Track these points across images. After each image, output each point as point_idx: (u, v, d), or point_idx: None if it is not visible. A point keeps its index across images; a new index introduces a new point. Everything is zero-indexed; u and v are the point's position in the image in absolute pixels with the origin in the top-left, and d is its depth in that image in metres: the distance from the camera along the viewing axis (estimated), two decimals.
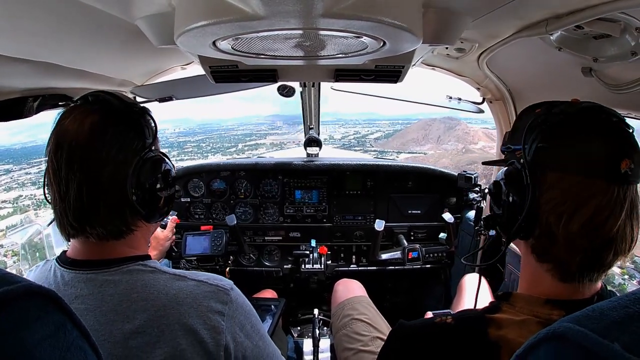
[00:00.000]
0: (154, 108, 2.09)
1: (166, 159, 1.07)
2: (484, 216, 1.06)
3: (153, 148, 1.02)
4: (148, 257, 1.02)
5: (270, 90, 2.21)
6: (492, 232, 1.05)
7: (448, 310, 1.87)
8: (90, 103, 0.97)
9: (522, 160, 0.86)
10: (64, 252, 1.00)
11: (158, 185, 1.03)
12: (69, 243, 0.98)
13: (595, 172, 0.77)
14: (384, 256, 2.67)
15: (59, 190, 0.90)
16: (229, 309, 0.96)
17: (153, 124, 1.05)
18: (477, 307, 1.01)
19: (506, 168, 0.94)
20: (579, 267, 0.81)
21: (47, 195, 0.96)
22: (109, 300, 0.89)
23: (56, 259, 0.99)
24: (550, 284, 0.85)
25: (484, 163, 1.35)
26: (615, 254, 0.80)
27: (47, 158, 0.93)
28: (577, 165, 0.79)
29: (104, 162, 0.91)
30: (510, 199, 0.90)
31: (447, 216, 2.56)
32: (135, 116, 1.00)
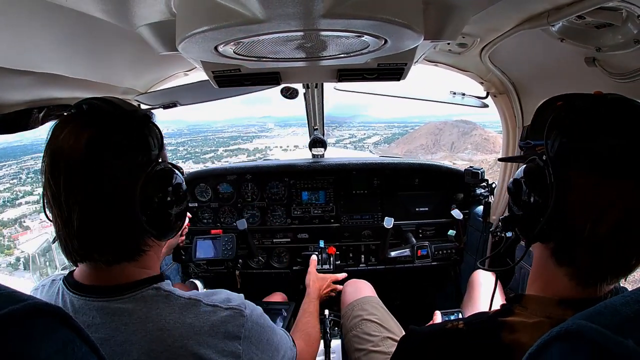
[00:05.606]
0: (155, 111, 2.11)
1: (175, 171, 0.99)
2: (502, 217, 1.01)
3: (160, 160, 0.94)
4: (161, 278, 0.97)
5: (267, 91, 2.18)
6: (509, 234, 1.00)
7: (458, 310, 1.86)
8: (85, 114, 0.87)
9: (544, 157, 0.80)
10: (71, 272, 0.95)
11: (168, 201, 0.94)
12: None
13: (625, 171, 0.71)
14: (393, 254, 2.65)
15: (60, 215, 0.83)
16: (245, 331, 0.95)
17: (158, 132, 0.95)
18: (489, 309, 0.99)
19: (526, 165, 0.87)
20: (603, 273, 0.76)
21: (48, 215, 0.88)
22: (123, 330, 0.85)
23: (63, 281, 0.93)
24: (567, 286, 0.80)
25: (500, 159, 1.32)
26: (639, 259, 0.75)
27: (43, 177, 0.84)
28: (605, 163, 0.72)
29: (106, 183, 0.83)
30: (532, 199, 0.84)
31: (456, 213, 2.55)
32: (137, 125, 0.90)
